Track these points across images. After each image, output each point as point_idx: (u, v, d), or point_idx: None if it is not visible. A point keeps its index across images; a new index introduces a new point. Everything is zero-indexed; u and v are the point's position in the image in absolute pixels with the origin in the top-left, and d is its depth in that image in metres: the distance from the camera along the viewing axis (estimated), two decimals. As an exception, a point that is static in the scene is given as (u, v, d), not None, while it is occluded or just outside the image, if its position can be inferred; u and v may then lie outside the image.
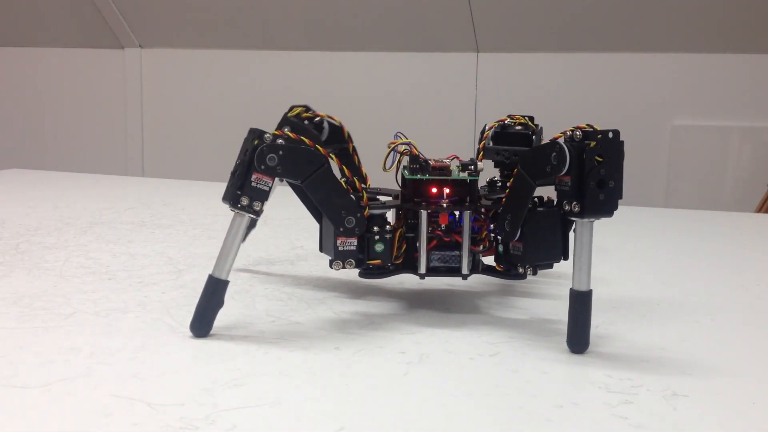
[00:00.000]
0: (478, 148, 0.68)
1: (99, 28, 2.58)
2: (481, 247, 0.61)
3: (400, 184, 0.63)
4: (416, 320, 0.60)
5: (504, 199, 0.59)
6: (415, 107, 2.34)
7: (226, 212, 0.55)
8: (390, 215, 0.62)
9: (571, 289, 0.53)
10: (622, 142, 0.52)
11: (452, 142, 0.70)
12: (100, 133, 2.69)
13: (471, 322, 0.60)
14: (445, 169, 0.60)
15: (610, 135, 0.52)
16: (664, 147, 2.16)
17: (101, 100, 2.67)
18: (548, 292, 0.69)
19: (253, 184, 0.54)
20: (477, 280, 0.68)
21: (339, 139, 0.66)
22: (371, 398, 0.45)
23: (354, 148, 0.67)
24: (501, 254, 0.60)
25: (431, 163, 0.60)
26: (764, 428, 0.42)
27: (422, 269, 0.60)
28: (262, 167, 0.54)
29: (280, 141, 0.54)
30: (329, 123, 0.66)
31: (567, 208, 0.52)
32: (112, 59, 2.63)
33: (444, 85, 2.32)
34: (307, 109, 0.67)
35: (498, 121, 0.69)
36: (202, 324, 0.54)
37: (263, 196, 0.54)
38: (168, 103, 2.60)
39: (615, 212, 0.52)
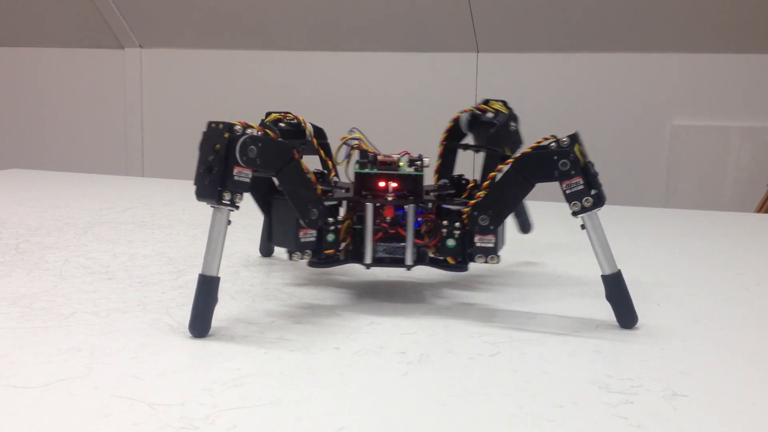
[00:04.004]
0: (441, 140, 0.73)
1: (99, 28, 2.58)
2: (426, 239, 0.63)
3: (350, 178, 0.65)
4: (416, 320, 0.60)
5: (482, 196, 0.61)
6: (415, 107, 2.34)
7: (226, 212, 0.55)
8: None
9: (603, 276, 0.58)
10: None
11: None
12: (100, 133, 2.68)
13: (471, 322, 0.60)
14: (392, 164, 0.62)
15: (568, 140, 0.58)
16: (664, 147, 2.16)
17: (101, 100, 2.67)
18: (549, 292, 0.69)
19: (235, 177, 0.54)
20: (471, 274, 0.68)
21: (301, 137, 0.69)
22: (371, 398, 0.45)
23: (323, 144, 0.70)
24: (451, 248, 0.62)
25: (380, 158, 0.62)
26: (764, 428, 0.42)
27: (368, 260, 0.62)
28: (244, 159, 0.54)
29: (250, 131, 0.54)
30: (290, 123, 0.69)
31: (576, 207, 0.57)
32: (112, 59, 2.63)
33: (444, 85, 2.32)
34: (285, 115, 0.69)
35: (465, 110, 0.72)
36: (201, 324, 0.54)
37: (245, 188, 0.54)
38: (168, 103, 2.60)
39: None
